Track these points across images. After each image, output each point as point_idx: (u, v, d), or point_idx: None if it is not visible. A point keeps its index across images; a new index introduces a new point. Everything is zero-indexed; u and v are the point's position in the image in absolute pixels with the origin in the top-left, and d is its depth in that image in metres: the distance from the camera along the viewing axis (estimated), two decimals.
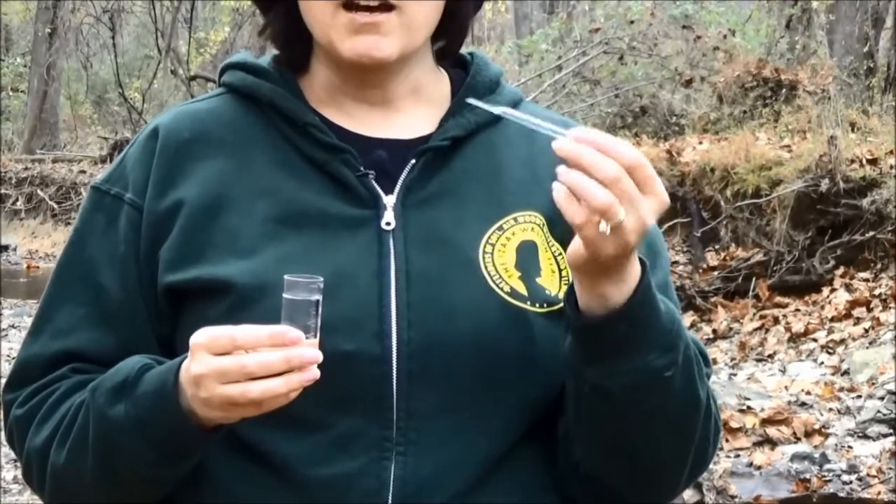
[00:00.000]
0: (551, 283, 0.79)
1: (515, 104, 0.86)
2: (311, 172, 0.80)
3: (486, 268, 0.78)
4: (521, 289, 0.78)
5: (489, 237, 0.79)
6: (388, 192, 0.79)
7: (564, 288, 0.79)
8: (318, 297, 0.70)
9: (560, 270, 0.81)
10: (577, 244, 0.70)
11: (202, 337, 0.70)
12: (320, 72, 0.83)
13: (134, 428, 0.73)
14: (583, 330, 0.72)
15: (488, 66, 0.86)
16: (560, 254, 0.81)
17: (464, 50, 0.88)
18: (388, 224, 0.78)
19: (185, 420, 0.72)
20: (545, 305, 0.78)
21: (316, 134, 0.80)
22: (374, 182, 0.79)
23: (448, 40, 0.84)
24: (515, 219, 0.80)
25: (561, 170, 0.68)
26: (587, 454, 0.79)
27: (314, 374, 0.69)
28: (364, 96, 0.82)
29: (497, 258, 0.79)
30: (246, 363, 0.68)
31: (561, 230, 0.80)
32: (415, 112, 0.83)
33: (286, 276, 0.70)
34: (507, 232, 0.80)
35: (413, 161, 0.80)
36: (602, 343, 0.72)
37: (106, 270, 0.79)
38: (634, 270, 0.72)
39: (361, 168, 0.79)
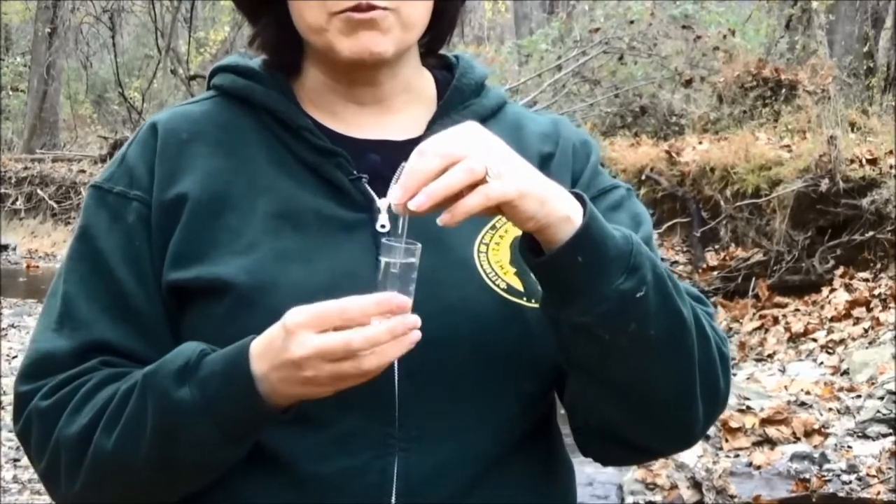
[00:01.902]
0: None
1: (500, 106, 0.86)
2: (306, 174, 0.81)
3: (481, 266, 0.79)
4: (518, 285, 0.79)
5: (483, 237, 0.80)
6: (382, 194, 0.80)
7: None
8: (415, 260, 0.70)
9: None
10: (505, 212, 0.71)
11: (302, 316, 0.69)
12: (312, 75, 0.84)
13: (202, 409, 0.73)
14: (543, 268, 0.72)
15: (473, 68, 0.87)
16: None
17: (450, 52, 0.89)
18: (382, 226, 0.79)
19: (259, 401, 0.72)
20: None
21: (309, 137, 0.81)
22: (367, 185, 0.80)
23: (433, 36, 0.85)
24: None
25: (418, 202, 0.68)
26: (596, 409, 0.78)
27: (417, 336, 0.69)
28: (356, 96, 0.83)
29: (492, 256, 0.80)
30: (352, 341, 0.68)
31: None
32: (405, 113, 0.84)
33: (383, 240, 0.70)
34: (500, 230, 0.81)
35: (404, 163, 0.79)
36: (565, 277, 0.72)
37: (119, 265, 0.79)
38: (570, 201, 0.72)
39: (354, 171, 0.80)
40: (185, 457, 0.74)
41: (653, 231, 0.85)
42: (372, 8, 0.77)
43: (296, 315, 0.70)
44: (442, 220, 0.69)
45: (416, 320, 0.69)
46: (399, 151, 0.81)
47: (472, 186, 0.68)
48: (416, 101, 0.85)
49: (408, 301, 0.69)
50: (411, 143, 0.81)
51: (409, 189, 0.68)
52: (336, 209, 0.79)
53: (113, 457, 0.75)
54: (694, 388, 0.76)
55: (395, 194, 0.69)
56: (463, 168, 0.68)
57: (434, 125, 0.83)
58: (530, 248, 0.73)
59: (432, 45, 0.86)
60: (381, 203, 0.80)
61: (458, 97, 0.84)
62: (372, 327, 0.68)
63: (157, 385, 0.74)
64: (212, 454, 0.74)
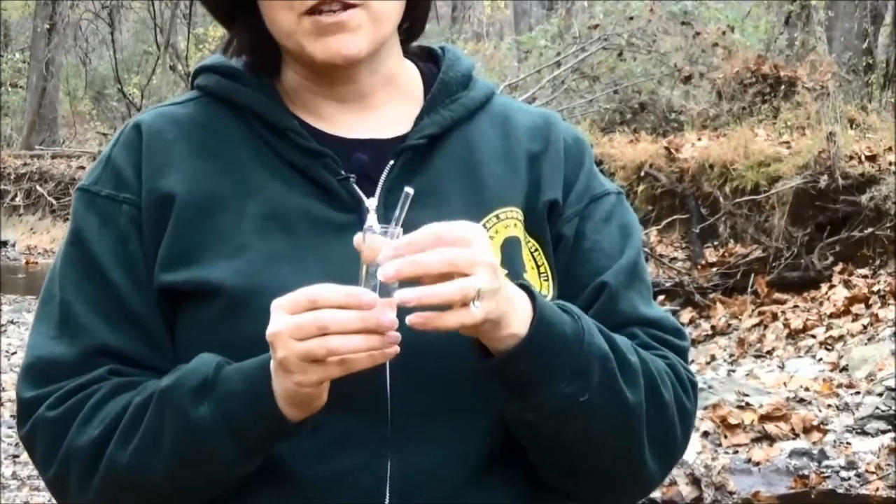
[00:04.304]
0: (533, 279, 0.80)
1: (488, 97, 0.85)
2: (294, 176, 0.80)
3: None
4: None
5: None
6: (370, 194, 0.80)
7: (544, 284, 0.82)
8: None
9: (538, 266, 0.82)
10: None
11: (285, 298, 0.70)
12: (291, 76, 0.83)
13: (221, 428, 0.73)
14: (488, 371, 0.74)
15: (460, 60, 0.86)
16: (536, 249, 0.82)
17: (438, 44, 0.88)
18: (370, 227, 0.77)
19: (279, 417, 0.72)
20: None
21: (295, 139, 0.80)
22: (355, 185, 0.80)
23: (412, 23, 0.84)
24: (497, 216, 0.81)
25: (404, 297, 0.68)
26: (543, 472, 0.81)
27: (396, 338, 0.68)
28: (338, 95, 0.82)
29: None
30: (322, 317, 0.68)
31: (535, 225, 0.82)
32: (390, 109, 0.83)
33: (365, 227, 0.69)
34: (490, 231, 0.80)
35: (392, 162, 0.80)
36: (509, 381, 0.74)
37: (113, 269, 0.79)
38: (520, 314, 0.72)
39: (342, 172, 0.80)
40: (201, 472, 0.75)
41: (641, 240, 0.86)
42: (344, 7, 0.77)
43: (279, 299, 0.70)
44: (413, 322, 0.68)
45: (391, 320, 0.68)
46: (386, 150, 0.81)
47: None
48: (401, 96, 0.83)
49: (376, 300, 0.68)
50: (398, 141, 0.81)
51: (402, 274, 0.68)
52: (324, 210, 0.79)
53: (128, 471, 0.75)
54: (643, 458, 0.78)
55: (387, 270, 0.67)
56: (460, 290, 0.68)
57: (421, 120, 0.82)
58: (477, 347, 0.73)
59: (412, 33, 0.85)
60: (369, 203, 0.79)
61: (445, 91, 0.83)
62: (345, 312, 0.68)
63: (175, 402, 0.74)
64: (228, 469, 0.74)
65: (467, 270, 0.68)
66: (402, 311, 0.69)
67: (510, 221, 0.81)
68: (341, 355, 0.68)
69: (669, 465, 0.80)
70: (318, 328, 0.68)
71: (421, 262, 0.67)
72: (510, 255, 0.80)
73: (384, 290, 0.68)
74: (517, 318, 0.72)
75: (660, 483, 0.82)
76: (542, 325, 0.72)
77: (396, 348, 0.69)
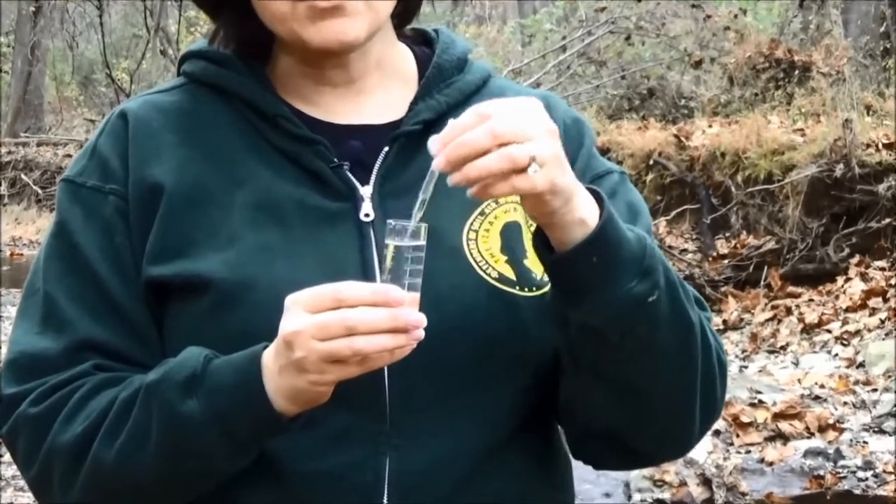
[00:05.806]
0: (537, 264, 0.78)
1: (485, 80, 0.85)
2: (285, 164, 0.79)
3: (471, 254, 0.78)
4: (510, 273, 0.78)
5: (472, 223, 0.79)
6: (365, 182, 0.79)
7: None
8: (423, 242, 0.69)
9: None
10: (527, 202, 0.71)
11: (303, 295, 0.69)
12: (283, 62, 0.82)
13: (211, 422, 0.72)
14: (556, 266, 0.72)
15: (455, 42, 0.86)
16: None
17: (433, 26, 0.88)
18: (366, 216, 0.78)
19: (271, 412, 0.71)
20: (534, 289, 0.78)
21: (286, 126, 0.79)
22: (349, 173, 0.79)
23: (405, 7, 0.83)
24: (496, 200, 0.80)
25: (454, 178, 0.68)
26: (593, 408, 0.78)
27: (420, 335, 0.68)
28: (328, 79, 0.81)
29: (482, 244, 0.79)
30: (349, 317, 0.67)
31: None
32: (383, 94, 0.82)
33: (389, 222, 0.69)
34: (489, 216, 0.80)
35: (386, 148, 0.80)
36: (577, 277, 0.72)
37: (99, 262, 0.78)
38: (588, 201, 0.72)
39: (335, 159, 0.79)
40: (190, 467, 0.74)
41: (651, 220, 0.85)
42: None
43: (297, 294, 0.69)
44: (466, 188, 0.68)
45: (419, 318, 0.67)
46: (380, 136, 0.80)
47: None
48: (394, 79, 0.83)
49: (405, 297, 0.67)
50: (392, 127, 0.80)
51: (451, 160, 0.67)
52: (318, 199, 0.78)
53: (114, 468, 0.74)
54: (695, 395, 0.78)
55: (438, 160, 0.67)
56: (508, 157, 0.67)
57: (416, 105, 0.81)
58: (543, 244, 0.72)
59: (405, 17, 0.84)
60: (364, 191, 0.78)
61: (440, 75, 0.82)
62: (372, 310, 0.67)
63: (162, 396, 0.73)
64: (218, 464, 0.74)
65: (517, 140, 0.67)
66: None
67: (509, 206, 0.80)
68: (366, 355, 0.67)
69: (708, 422, 0.80)
70: (346, 328, 0.66)
71: (464, 141, 0.67)
72: (510, 240, 0.79)
73: (411, 285, 0.67)
74: (586, 204, 0.71)
75: (695, 443, 0.81)
76: (611, 219, 0.72)
77: (414, 344, 0.68)
